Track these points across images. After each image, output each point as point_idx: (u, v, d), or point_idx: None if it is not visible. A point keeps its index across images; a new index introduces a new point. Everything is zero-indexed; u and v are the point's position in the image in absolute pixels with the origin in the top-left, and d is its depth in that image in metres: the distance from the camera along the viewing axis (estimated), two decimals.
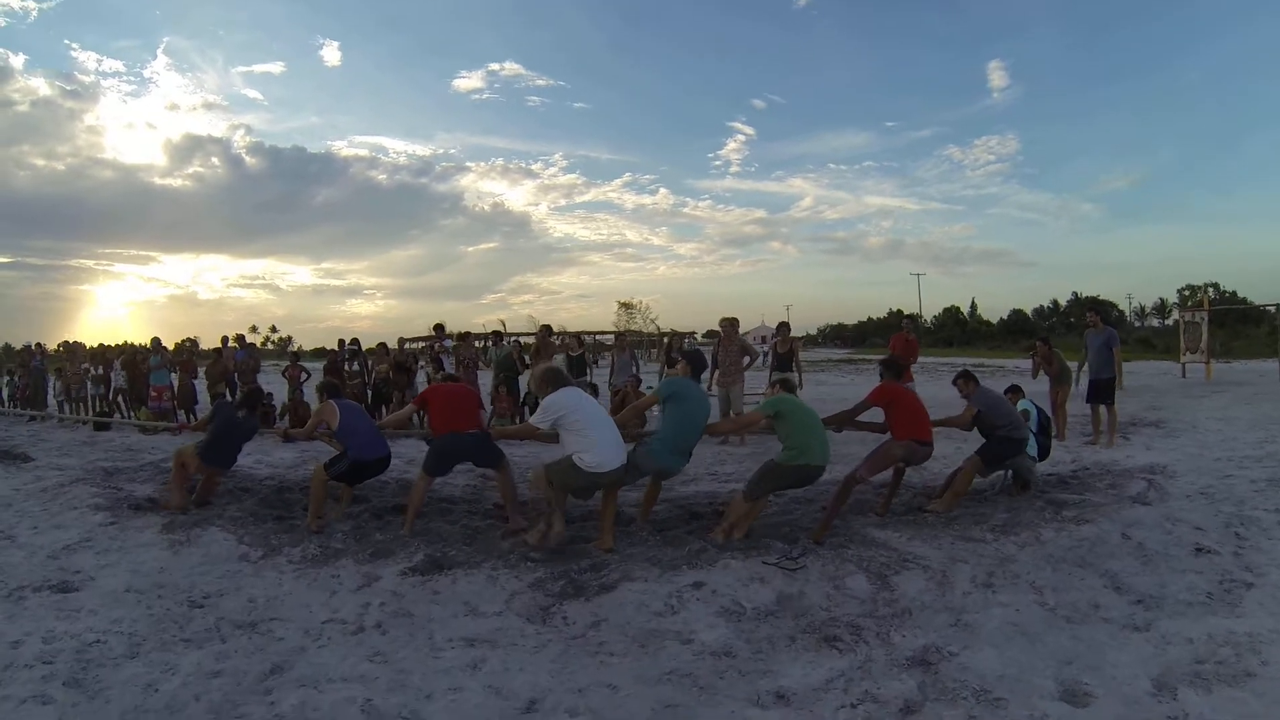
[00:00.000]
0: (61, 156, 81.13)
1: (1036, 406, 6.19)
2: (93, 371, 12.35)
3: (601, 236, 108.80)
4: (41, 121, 77.28)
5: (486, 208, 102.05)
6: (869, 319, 66.49)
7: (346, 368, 11.00)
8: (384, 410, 10.43)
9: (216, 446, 5.78)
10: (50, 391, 13.23)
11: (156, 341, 11.67)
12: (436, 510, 5.55)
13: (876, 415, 5.26)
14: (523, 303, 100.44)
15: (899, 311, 57.77)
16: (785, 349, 9.49)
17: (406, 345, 13.19)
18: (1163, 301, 57.20)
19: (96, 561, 4.57)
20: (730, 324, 9.35)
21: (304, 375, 11.14)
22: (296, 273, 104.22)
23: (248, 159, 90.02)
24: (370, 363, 11.28)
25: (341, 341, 11.65)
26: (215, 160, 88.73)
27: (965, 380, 5.63)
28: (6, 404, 13.62)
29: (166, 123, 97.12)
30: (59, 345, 13.43)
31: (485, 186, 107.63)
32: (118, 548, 4.81)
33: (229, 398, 11.16)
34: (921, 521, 4.87)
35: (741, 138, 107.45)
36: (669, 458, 4.63)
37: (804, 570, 3.97)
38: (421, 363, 11.06)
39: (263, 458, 8.31)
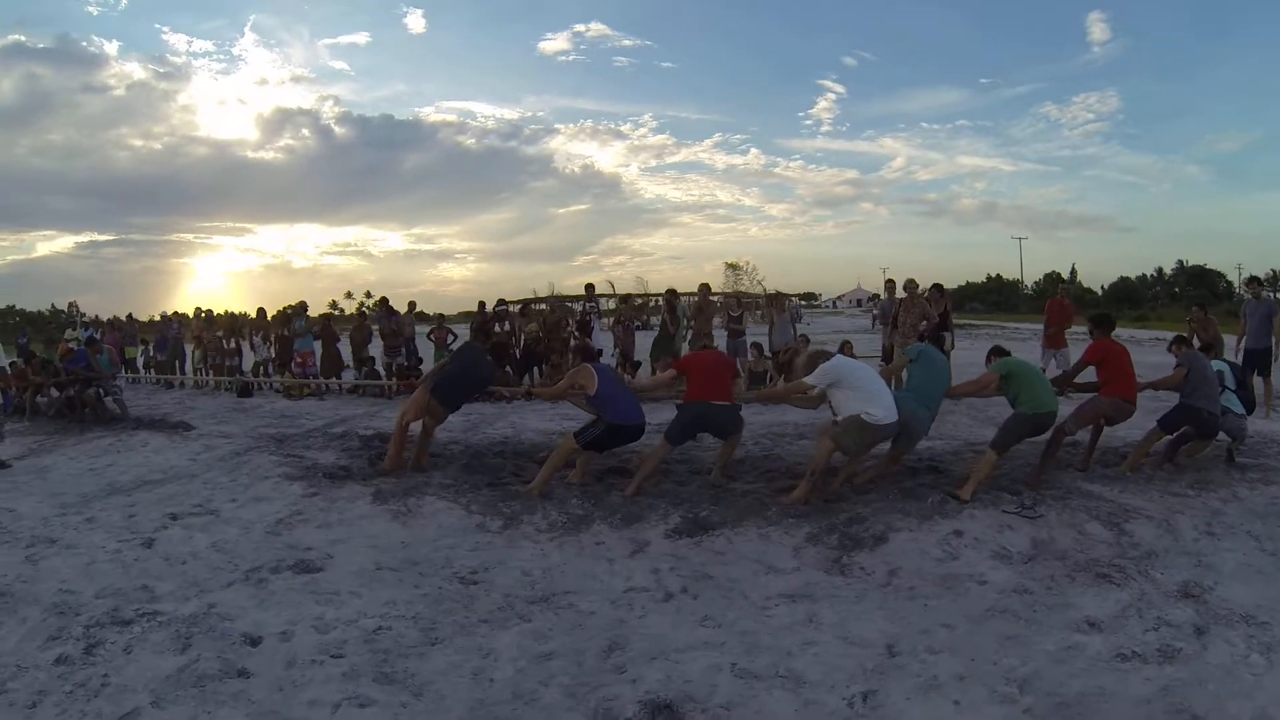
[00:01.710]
0: (158, 136, 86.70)
1: (1228, 362, 6.12)
2: (228, 343, 12.32)
3: (693, 197, 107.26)
4: (137, 104, 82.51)
5: (576, 169, 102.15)
6: (967, 283, 62.57)
7: (497, 328, 10.53)
8: (536, 372, 9.93)
9: (452, 385, 5.44)
10: (189, 359, 13.35)
11: (302, 306, 11.48)
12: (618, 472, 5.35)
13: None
14: (614, 264, 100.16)
15: (998, 276, 54.38)
16: (941, 310, 9.49)
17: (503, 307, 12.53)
18: (1275, 273, 51.74)
19: (323, 537, 4.14)
20: (913, 285, 9.40)
21: (451, 337, 10.82)
22: (388, 239, 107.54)
23: (337, 129, 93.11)
24: (519, 324, 10.77)
25: (482, 304, 11.17)
26: (305, 132, 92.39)
27: (1178, 344, 5.77)
28: (142, 372, 13.80)
29: (257, 98, 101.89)
30: (196, 312, 13.36)
31: (575, 148, 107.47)
32: (338, 521, 4.39)
33: (375, 364, 11.00)
34: (1121, 478, 4.96)
35: (832, 96, 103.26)
36: (925, 417, 4.89)
37: (1042, 518, 4.11)
38: (569, 326, 10.45)
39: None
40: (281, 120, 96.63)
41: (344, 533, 4.19)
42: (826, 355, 4.81)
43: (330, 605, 3.23)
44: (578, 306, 11.13)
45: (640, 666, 2.68)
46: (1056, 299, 10.18)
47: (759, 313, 11.09)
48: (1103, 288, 56.42)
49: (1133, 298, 50.31)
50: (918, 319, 9.03)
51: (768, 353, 10.11)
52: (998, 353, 5.20)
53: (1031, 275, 60.96)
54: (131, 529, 4.27)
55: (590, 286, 11.10)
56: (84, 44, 77.64)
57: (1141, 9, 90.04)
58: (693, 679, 2.58)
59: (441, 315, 11.33)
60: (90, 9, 75.55)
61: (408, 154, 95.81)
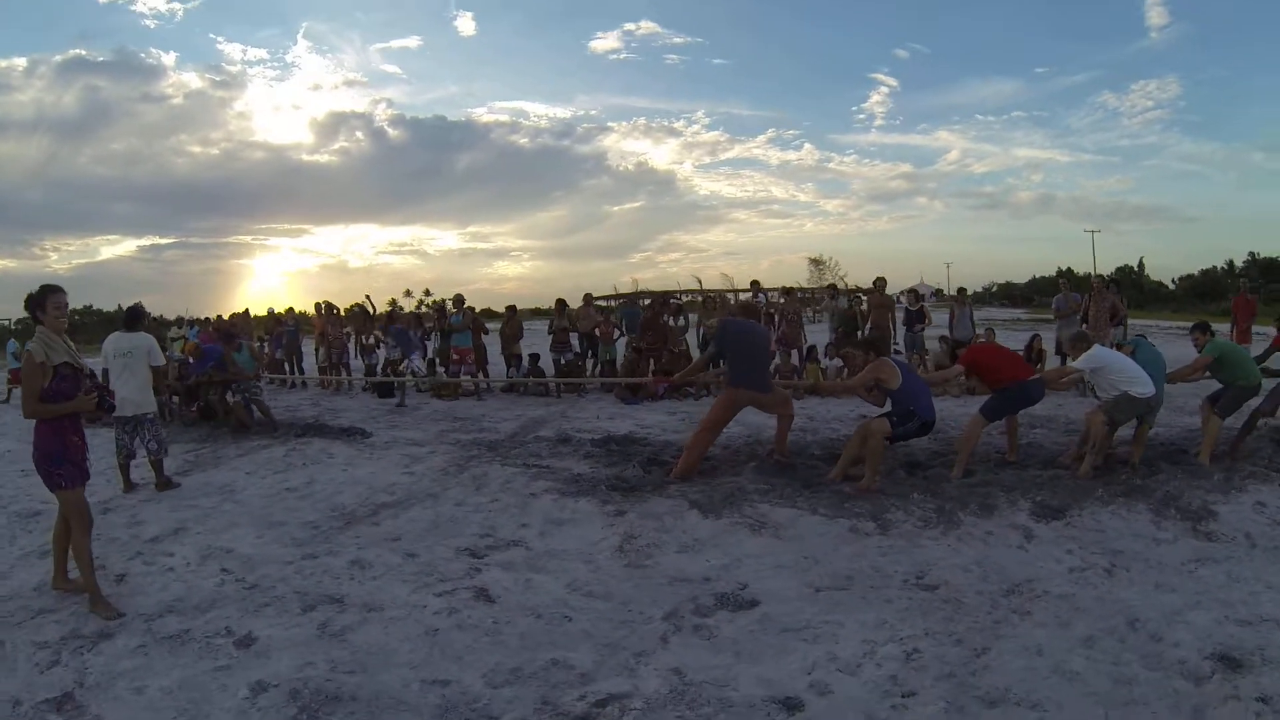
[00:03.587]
0: (216, 142, 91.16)
1: None
2: (365, 339, 11.48)
3: (747, 193, 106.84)
4: (195, 112, 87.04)
5: (630, 167, 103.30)
6: (1033, 277, 59.63)
7: (672, 321, 9.62)
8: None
9: (752, 366, 5.08)
10: (313, 357, 12.66)
11: (459, 299, 10.48)
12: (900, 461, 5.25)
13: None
14: (670, 261, 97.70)
15: (1069, 270, 51.00)
16: (1110, 303, 9.40)
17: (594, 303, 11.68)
18: None
19: (705, 564, 3.49)
20: (1100, 280, 9.81)
21: (616, 334, 10.11)
22: (443, 237, 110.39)
23: (390, 131, 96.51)
24: (688, 317, 9.88)
25: (637, 295, 10.27)
26: (359, 134, 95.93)
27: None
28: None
29: (311, 103, 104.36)
30: (318, 307, 12.65)
31: (628, 146, 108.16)
32: (695, 542, 3.74)
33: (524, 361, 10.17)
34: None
35: (885, 89, 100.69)
36: (1162, 394, 5.22)
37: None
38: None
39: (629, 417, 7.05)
40: (336, 124, 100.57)
41: (722, 556, 3.56)
42: (1089, 341, 5.31)
43: (818, 642, 2.70)
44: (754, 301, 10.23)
45: (1179, 629, 2.73)
46: (1241, 295, 10.78)
47: (863, 306, 10.36)
48: (1173, 280, 52.84)
49: (1212, 291, 47.28)
50: (1107, 311, 9.05)
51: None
52: (1203, 329, 5.51)
53: (1082, 268, 58.01)
54: (433, 573, 3.45)
55: (755, 282, 10.31)
56: (142, 55, 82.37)
57: None
58: (1233, 633, 2.69)
59: (606, 309, 10.45)
60: (147, 22, 79.64)
61: (461, 154, 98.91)
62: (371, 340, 11.42)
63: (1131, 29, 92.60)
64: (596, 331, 10.10)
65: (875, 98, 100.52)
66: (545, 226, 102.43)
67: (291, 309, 13.54)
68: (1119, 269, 53.32)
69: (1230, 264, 52.35)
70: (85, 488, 3.23)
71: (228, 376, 7.97)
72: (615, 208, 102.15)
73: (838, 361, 8.87)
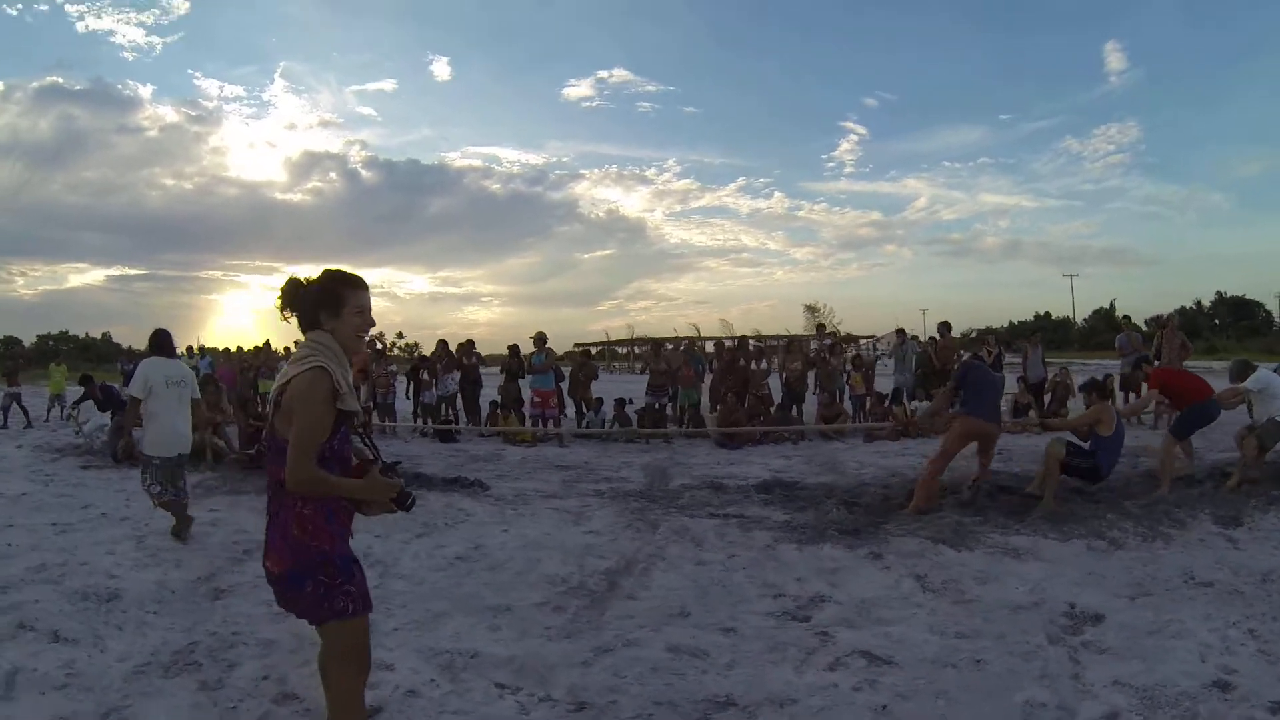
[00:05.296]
0: (189, 176, 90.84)
1: None
2: (433, 375, 10.92)
3: (718, 242, 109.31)
4: (170, 145, 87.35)
5: (601, 214, 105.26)
6: (1010, 323, 62.29)
7: (754, 365, 9.73)
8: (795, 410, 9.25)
9: (989, 398, 5.60)
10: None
11: (541, 337, 10.03)
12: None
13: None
14: (640, 309, 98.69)
15: (1047, 314, 53.93)
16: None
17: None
18: None
19: (1020, 589, 3.69)
20: (1171, 318, 10.42)
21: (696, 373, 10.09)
22: (414, 281, 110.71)
23: (364, 173, 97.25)
24: (780, 359, 10.02)
25: (728, 340, 10.42)
26: (333, 175, 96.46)
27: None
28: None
29: (286, 141, 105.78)
30: (372, 341, 12.05)
31: (599, 193, 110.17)
32: (986, 574, 3.95)
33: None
34: None
35: (854, 137, 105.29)
36: None
37: None
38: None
39: (746, 462, 7.10)
40: (310, 164, 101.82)
41: (1019, 582, 3.79)
42: (1253, 366, 5.90)
43: (1191, 636, 3.06)
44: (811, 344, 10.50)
45: None
46: None
47: (851, 352, 10.94)
48: (1145, 322, 55.96)
49: (1190, 329, 50.22)
50: (1179, 347, 9.64)
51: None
52: (1245, 366, 5.97)
53: (1057, 311, 59.96)
54: (786, 646, 3.13)
55: (821, 325, 10.55)
56: (119, 87, 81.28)
57: (1158, 35, 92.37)
58: None
59: (689, 350, 10.46)
60: (125, 54, 78.89)
61: (434, 198, 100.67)
62: (429, 378, 10.89)
63: (1092, 74, 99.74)
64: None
65: (845, 145, 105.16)
66: (516, 272, 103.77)
67: None
68: (1095, 311, 56.00)
69: (1198, 304, 55.49)
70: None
71: None
72: (586, 255, 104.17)
73: (924, 403, 9.22)
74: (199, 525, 5.06)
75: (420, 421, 10.76)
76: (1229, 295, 53.24)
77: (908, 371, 10.31)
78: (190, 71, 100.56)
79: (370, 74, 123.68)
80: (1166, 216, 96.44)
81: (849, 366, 10.42)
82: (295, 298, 2.01)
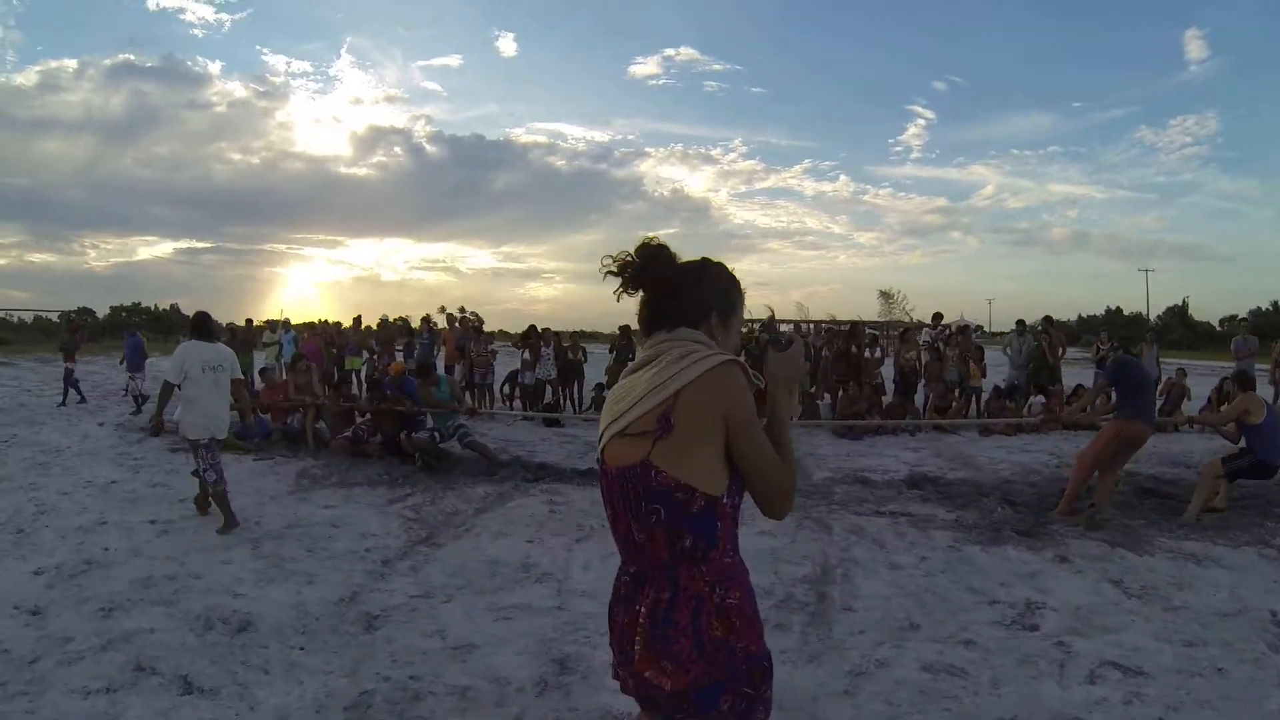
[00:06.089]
0: (256, 151, 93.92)
1: None
2: (535, 355, 10.48)
3: (782, 224, 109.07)
4: (237, 120, 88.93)
5: (666, 193, 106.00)
6: (1079, 315, 59.24)
7: (866, 353, 9.84)
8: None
9: (1148, 400, 5.45)
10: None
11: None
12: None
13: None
14: None
15: (1118, 309, 51.59)
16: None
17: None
18: None
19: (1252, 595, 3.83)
20: None
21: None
22: (476, 256, 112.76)
23: (428, 148, 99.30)
24: (898, 348, 10.10)
25: (853, 323, 10.52)
26: (397, 150, 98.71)
27: None
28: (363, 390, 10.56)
29: (351, 116, 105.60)
30: (458, 313, 11.66)
31: (664, 172, 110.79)
32: (1181, 581, 4.09)
33: None
34: None
35: (922, 122, 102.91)
36: None
37: None
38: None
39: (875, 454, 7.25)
40: (375, 138, 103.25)
41: (1233, 580, 4.04)
42: None
43: None
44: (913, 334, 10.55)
45: None
46: None
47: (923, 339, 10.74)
48: (1220, 322, 50.21)
49: (1274, 333, 46.74)
50: None
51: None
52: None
53: (1128, 306, 56.63)
54: (1070, 662, 3.17)
55: (938, 315, 10.66)
56: (189, 64, 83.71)
57: (1241, 24, 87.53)
58: None
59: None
60: (195, 31, 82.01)
61: (498, 173, 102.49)
62: (529, 357, 10.84)
63: (1170, 63, 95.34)
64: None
65: (912, 130, 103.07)
66: (579, 250, 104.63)
67: (427, 318, 12.64)
68: (1168, 309, 53.15)
69: (1275, 304, 51.91)
70: None
71: (408, 409, 7.32)
72: (650, 234, 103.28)
73: (1038, 399, 9.26)
74: (319, 527, 4.93)
75: (516, 405, 10.86)
76: None
77: (1022, 366, 10.12)
78: (258, 48, 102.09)
79: (436, 49, 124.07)
80: (1244, 213, 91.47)
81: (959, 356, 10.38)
82: (671, 275, 1.47)
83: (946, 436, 8.71)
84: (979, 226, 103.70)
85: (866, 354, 9.97)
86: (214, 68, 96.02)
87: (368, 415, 8.02)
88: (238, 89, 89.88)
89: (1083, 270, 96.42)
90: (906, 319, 16.62)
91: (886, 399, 9.51)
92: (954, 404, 9.48)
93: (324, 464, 7.01)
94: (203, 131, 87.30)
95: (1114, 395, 5.33)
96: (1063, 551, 4.55)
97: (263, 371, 10.28)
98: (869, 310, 53.41)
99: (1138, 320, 49.12)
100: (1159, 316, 53.98)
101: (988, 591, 3.99)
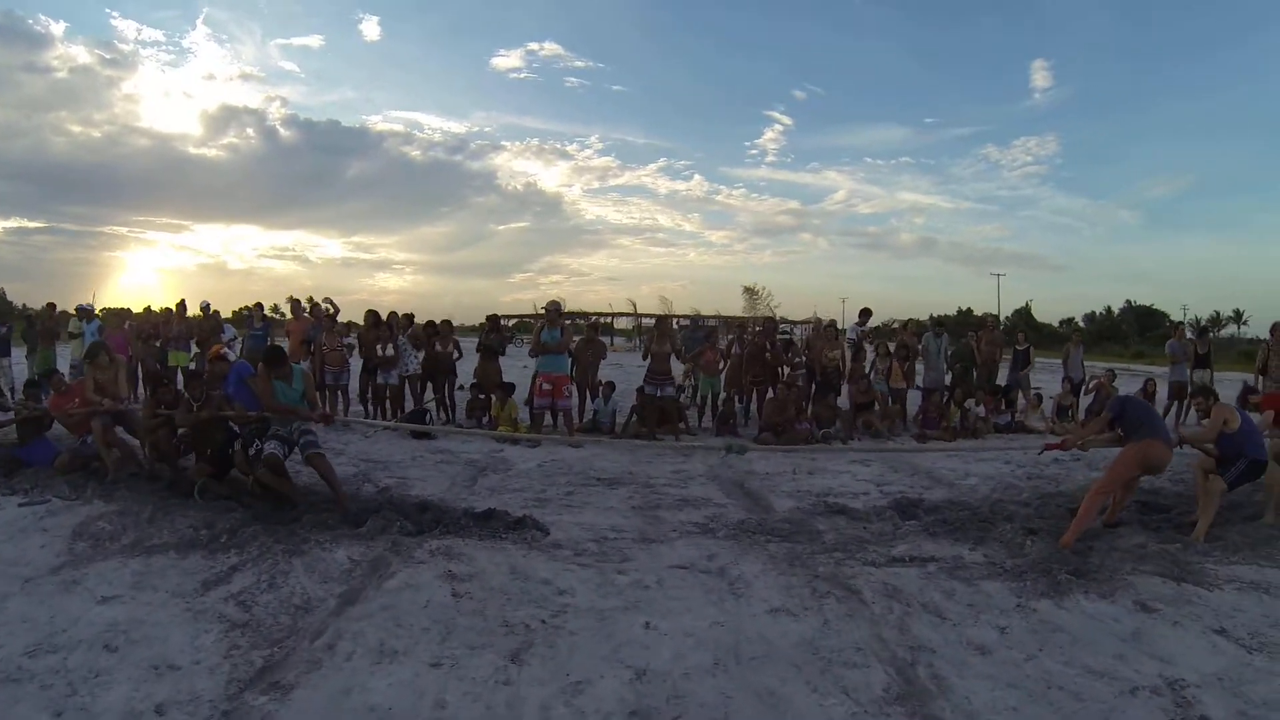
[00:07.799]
0: (98, 124, 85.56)
1: None
2: (383, 351, 8.65)
3: (633, 220, 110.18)
4: (79, 89, 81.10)
5: (519, 187, 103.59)
6: (931, 315, 64.62)
7: (785, 354, 8.83)
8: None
9: (1152, 420, 4.99)
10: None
11: (554, 307, 8.15)
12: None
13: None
14: (551, 283, 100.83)
15: (968, 310, 53.98)
16: (1205, 349, 10.28)
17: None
18: (1217, 315, 56.40)
19: None
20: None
21: (721, 364, 8.95)
22: (326, 245, 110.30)
23: (282, 131, 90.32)
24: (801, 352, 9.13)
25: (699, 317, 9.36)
26: (250, 131, 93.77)
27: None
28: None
29: (203, 93, 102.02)
30: (295, 305, 9.59)
31: (519, 166, 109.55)
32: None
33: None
34: None
35: (779, 127, 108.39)
36: None
37: None
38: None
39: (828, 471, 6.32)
40: (227, 118, 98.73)
41: None
42: None
43: None
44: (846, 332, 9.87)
45: None
46: None
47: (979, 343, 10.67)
48: (1059, 323, 56.22)
49: (1113, 335, 51.03)
50: None
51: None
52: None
53: (978, 307, 63.09)
54: None
55: (866, 310, 10.06)
56: (29, 21, 74.46)
57: (1083, 59, 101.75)
58: None
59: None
60: None
61: (352, 161, 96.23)
62: (389, 352, 8.80)
63: (1017, 88, 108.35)
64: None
65: (769, 135, 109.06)
66: (430, 241, 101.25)
67: (260, 305, 10.15)
68: (1015, 311, 57.79)
69: (1109, 309, 58.80)
70: None
71: (245, 416, 5.40)
72: (501, 226, 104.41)
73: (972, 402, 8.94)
74: (83, 652, 3.01)
75: (376, 409, 8.84)
76: (1136, 304, 57.18)
77: (938, 368, 9.67)
78: (107, 10, 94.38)
79: (297, 28, 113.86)
80: (1076, 228, 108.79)
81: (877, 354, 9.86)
82: None
83: (886, 446, 8.07)
84: (829, 229, 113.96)
85: (787, 354, 9.17)
86: (57, 28, 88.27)
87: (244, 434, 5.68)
88: (82, 54, 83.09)
89: (929, 273, 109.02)
90: (770, 314, 16.47)
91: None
92: (886, 407, 8.99)
93: (118, 510, 4.94)
94: (40, 98, 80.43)
95: (1120, 428, 4.96)
96: (1134, 595, 3.87)
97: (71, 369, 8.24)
98: (732, 306, 54.75)
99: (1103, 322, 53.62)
100: (1008, 317, 61.57)
101: (1111, 671, 3.15)
